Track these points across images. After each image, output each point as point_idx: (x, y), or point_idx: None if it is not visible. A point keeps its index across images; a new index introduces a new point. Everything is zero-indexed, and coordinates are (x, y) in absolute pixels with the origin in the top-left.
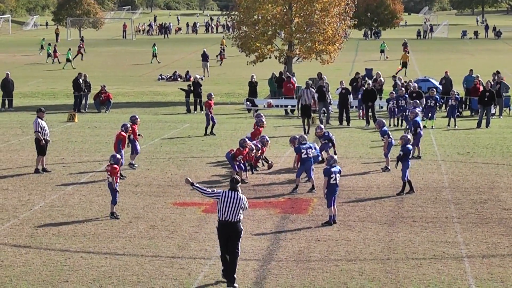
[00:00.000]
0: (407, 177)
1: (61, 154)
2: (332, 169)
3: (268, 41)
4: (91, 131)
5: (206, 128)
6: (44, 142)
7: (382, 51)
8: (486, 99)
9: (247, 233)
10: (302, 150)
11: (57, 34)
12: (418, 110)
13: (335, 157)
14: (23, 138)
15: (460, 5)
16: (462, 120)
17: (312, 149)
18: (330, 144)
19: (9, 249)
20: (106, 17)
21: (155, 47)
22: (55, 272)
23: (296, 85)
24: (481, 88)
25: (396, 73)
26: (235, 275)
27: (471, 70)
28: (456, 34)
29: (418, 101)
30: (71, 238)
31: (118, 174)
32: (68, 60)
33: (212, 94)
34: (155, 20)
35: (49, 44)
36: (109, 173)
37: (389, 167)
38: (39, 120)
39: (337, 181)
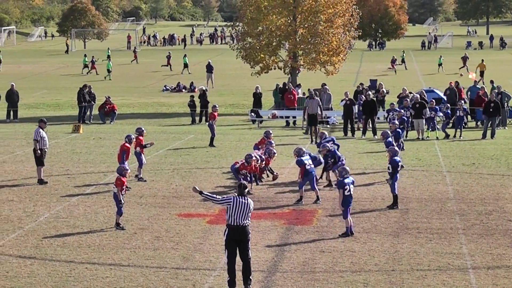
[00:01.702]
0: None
1: (66, 165)
2: (345, 181)
3: (273, 52)
4: (96, 142)
5: (212, 139)
6: (40, 152)
7: (440, 65)
8: (491, 110)
9: (252, 244)
10: (305, 162)
11: (67, 46)
12: (396, 123)
13: (348, 168)
14: (28, 149)
15: (464, 15)
16: (467, 131)
17: (310, 159)
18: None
19: (14, 260)
20: (110, 28)
21: (186, 58)
22: (60, 283)
23: (297, 96)
24: (486, 99)
25: (477, 81)
26: (251, 277)
27: (475, 81)
28: (460, 44)
29: (401, 111)
30: (76, 249)
31: (124, 186)
32: (108, 71)
33: (217, 105)
34: (144, 31)
35: (85, 55)
36: (115, 184)
37: None
38: (41, 130)
39: (351, 192)
